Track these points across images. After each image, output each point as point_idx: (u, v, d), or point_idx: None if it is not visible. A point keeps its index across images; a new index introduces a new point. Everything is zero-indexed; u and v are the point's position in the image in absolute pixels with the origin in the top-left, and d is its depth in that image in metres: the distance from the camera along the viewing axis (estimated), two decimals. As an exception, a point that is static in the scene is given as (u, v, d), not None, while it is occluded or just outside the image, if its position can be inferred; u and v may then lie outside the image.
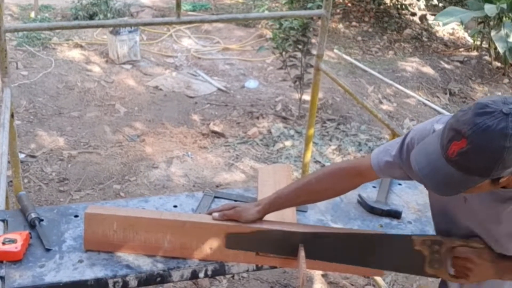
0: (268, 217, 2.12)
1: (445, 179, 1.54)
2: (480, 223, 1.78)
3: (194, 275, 2.08)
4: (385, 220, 2.40)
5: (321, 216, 2.39)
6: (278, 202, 2.09)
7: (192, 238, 2.06)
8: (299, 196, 2.09)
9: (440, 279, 2.07)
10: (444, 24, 6.96)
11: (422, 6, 8.71)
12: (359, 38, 7.90)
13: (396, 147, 1.88)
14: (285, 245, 2.06)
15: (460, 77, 6.95)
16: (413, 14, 8.52)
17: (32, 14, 7.83)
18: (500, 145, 1.44)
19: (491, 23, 7.04)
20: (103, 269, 2.00)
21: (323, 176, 2.06)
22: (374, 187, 2.58)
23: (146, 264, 2.04)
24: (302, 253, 2.01)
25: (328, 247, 2.05)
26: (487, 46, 7.52)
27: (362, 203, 2.47)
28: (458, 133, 1.49)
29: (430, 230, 2.22)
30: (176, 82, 6.35)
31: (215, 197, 2.47)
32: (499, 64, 7.27)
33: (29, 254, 2.03)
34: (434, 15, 8.27)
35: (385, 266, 2.06)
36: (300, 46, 5.51)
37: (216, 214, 2.09)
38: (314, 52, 4.19)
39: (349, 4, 8.57)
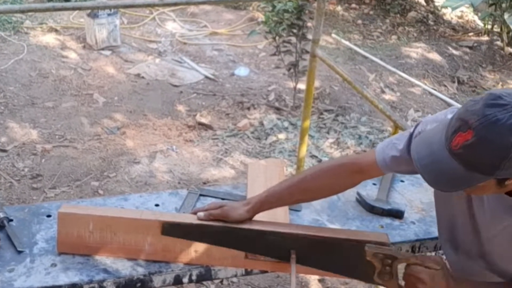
0: (259, 216, 2.11)
1: (445, 173, 1.52)
2: (488, 239, 1.76)
3: (177, 280, 2.08)
4: (386, 220, 2.40)
5: (317, 216, 2.39)
6: (269, 201, 2.08)
7: (175, 240, 2.06)
8: (293, 194, 2.07)
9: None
10: (453, 9, 6.96)
11: (428, -13, 8.72)
12: (359, 21, 7.89)
13: (404, 140, 1.87)
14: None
15: (469, 64, 6.96)
16: (419, -5, 8.53)
17: (2, -5, 7.80)
18: (508, 141, 1.42)
19: (504, 5, 7.04)
20: (78, 274, 2.00)
21: (320, 173, 2.05)
22: (374, 184, 2.58)
23: (125, 268, 2.04)
24: (293, 262, 2.02)
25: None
26: (499, 30, 7.52)
27: (361, 201, 2.47)
28: (465, 124, 1.46)
29: (435, 231, 2.22)
30: (159, 70, 6.33)
31: (201, 195, 2.47)
32: None
33: (-3, 257, 2.03)
34: (441, -4, 8.27)
35: (339, 271, 2.11)
36: (294, 30, 5.50)
37: (201, 214, 2.08)
38: (310, 36, 4.19)
39: (349, -15, 8.57)
